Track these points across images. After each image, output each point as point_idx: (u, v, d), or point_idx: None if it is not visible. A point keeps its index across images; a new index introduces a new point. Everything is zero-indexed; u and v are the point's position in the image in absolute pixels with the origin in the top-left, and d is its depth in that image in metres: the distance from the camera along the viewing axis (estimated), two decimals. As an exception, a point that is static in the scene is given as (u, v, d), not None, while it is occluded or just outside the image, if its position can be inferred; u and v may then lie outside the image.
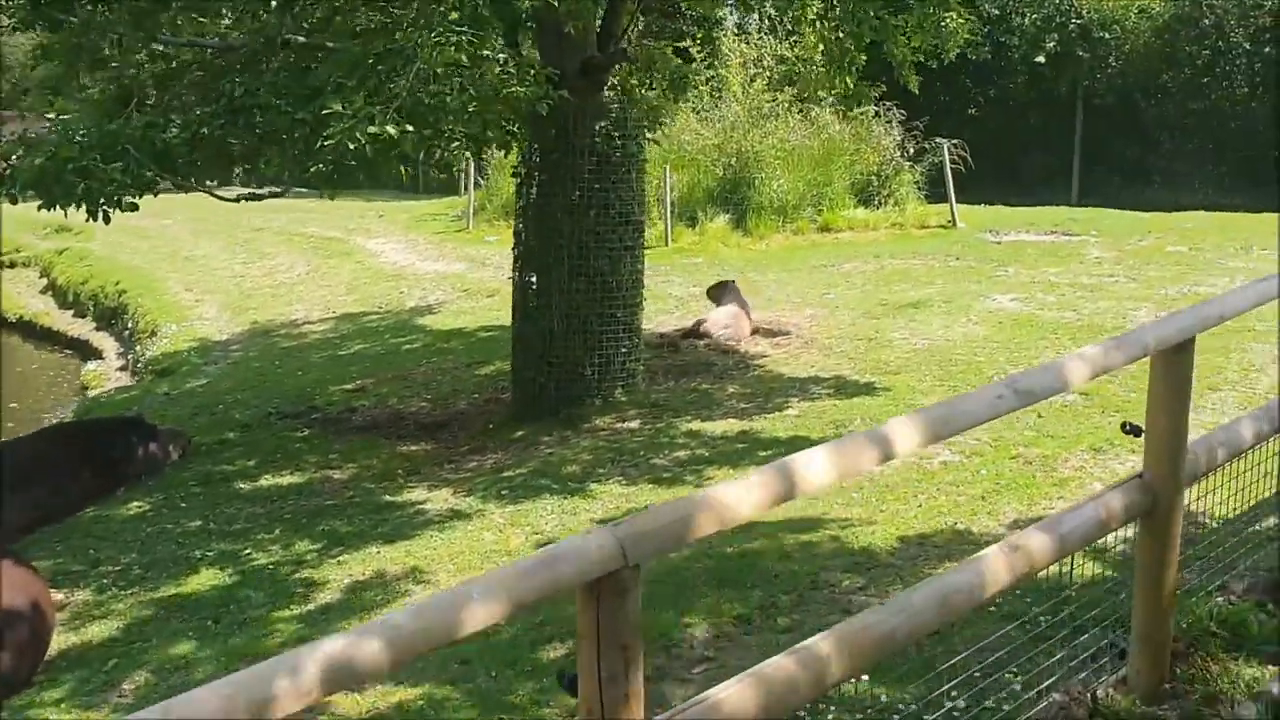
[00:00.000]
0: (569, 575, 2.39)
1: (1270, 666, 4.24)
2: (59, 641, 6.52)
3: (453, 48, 6.88)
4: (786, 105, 19.87)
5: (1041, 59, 23.59)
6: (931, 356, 10.72)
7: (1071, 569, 4.56)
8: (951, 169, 18.98)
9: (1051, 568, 4.24)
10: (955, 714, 4.49)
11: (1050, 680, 4.56)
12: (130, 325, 17.20)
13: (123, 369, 15.93)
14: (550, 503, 7.85)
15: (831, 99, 14.12)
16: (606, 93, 9.98)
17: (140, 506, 8.89)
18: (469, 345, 13.13)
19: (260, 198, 8.38)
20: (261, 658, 2.25)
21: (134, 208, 7.48)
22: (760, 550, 6.58)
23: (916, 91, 11.56)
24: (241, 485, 9.19)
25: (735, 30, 20.34)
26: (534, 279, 9.98)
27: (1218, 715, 4.02)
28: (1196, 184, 22.47)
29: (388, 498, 8.43)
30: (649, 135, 10.90)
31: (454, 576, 6.69)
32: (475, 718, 5.14)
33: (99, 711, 5.59)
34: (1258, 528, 5.60)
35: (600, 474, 8.43)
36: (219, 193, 8.46)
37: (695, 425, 9.42)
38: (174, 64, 8.74)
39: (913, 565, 6.16)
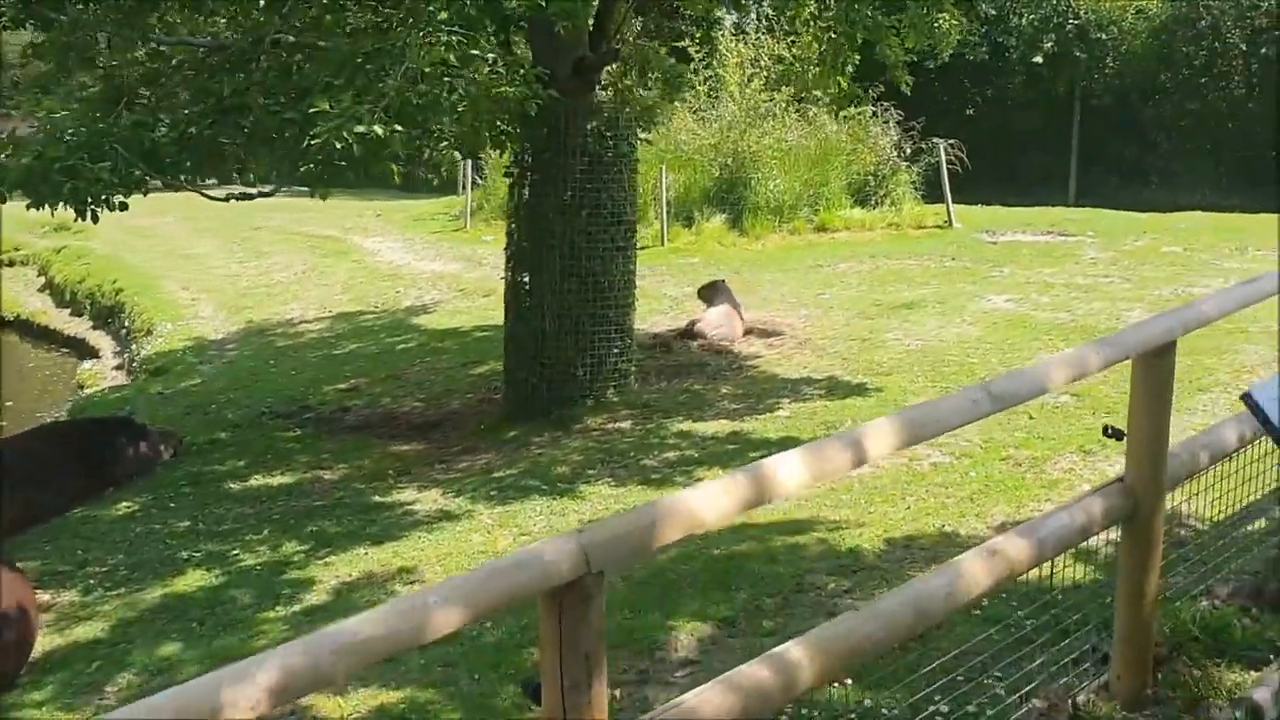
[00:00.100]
0: (530, 583, 2.37)
1: (1252, 672, 4.22)
2: (44, 643, 6.49)
3: (442, 47, 6.86)
4: (784, 105, 19.85)
5: (1039, 59, 23.61)
6: (924, 357, 10.70)
7: (1052, 572, 4.55)
8: (948, 169, 18.96)
9: (1037, 570, 4.24)
10: (938, 719, 4.47)
11: (1034, 684, 4.55)
12: (127, 324, 17.19)
13: (119, 368, 15.91)
14: (539, 504, 7.83)
15: (825, 98, 14.08)
16: (599, 93, 9.96)
17: (129, 507, 8.87)
18: (463, 345, 13.11)
19: (250, 197, 8.35)
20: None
21: (124, 207, 7.44)
22: (747, 552, 6.56)
23: (909, 92, 11.55)
24: (232, 485, 9.17)
25: (733, 30, 20.31)
26: (526, 279, 9.96)
27: (1198, 721, 4.00)
28: (1194, 184, 22.49)
29: (377, 498, 8.41)
30: (642, 135, 10.88)
31: (441, 578, 6.67)
32: (457, 721, 5.12)
33: (80, 714, 5.57)
34: (1245, 530, 5.58)
35: (590, 475, 8.42)
36: (209, 192, 8.42)
37: (686, 426, 9.41)
38: (165, 63, 8.71)
39: (898, 568, 6.14)
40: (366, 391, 11.59)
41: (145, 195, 7.74)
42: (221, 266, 19.80)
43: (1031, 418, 8.47)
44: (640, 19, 11.89)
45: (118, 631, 6.64)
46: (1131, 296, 12.73)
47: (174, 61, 8.83)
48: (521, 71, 7.72)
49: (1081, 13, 23.97)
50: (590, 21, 9.07)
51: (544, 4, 7.17)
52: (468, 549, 7.08)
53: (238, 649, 6.06)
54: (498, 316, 12.20)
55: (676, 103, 12.51)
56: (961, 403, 3.29)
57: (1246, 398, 2.39)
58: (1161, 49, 23.86)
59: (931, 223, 18.74)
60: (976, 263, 15.41)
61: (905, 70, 10.97)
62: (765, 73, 20.05)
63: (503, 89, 7.26)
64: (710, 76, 19.50)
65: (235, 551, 7.68)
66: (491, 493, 8.16)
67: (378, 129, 6.36)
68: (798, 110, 19.86)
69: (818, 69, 12.01)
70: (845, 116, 19.48)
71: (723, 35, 18.30)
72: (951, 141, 19.54)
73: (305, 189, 7.65)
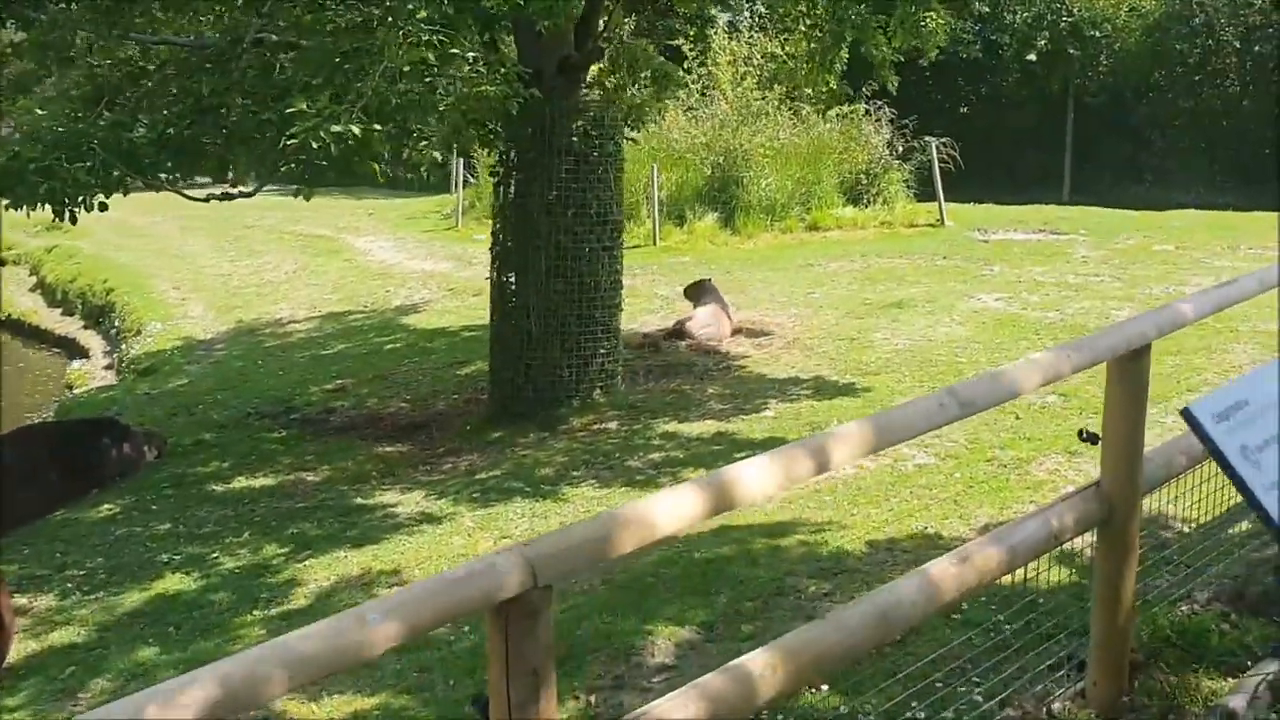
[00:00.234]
0: (474, 597, 2.32)
1: (1228, 679, 4.18)
2: (19, 649, 6.45)
3: (422, 46, 6.81)
4: (776, 104, 19.80)
5: (1033, 57, 23.55)
6: (913, 357, 10.66)
7: (1027, 575, 4.51)
8: (940, 167, 18.92)
9: (1021, 571, 4.19)
10: (914, 725, 4.43)
11: (1010, 690, 4.51)
12: (117, 324, 17.12)
13: (108, 368, 15.85)
14: (521, 506, 7.79)
15: (814, 96, 14.06)
16: (585, 91, 9.90)
17: (110, 509, 8.81)
18: (451, 345, 13.06)
19: (231, 197, 8.29)
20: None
21: (103, 207, 7.38)
22: (728, 555, 6.51)
23: (895, 91, 11.50)
24: (214, 487, 9.12)
25: (726, 28, 20.26)
26: (512, 279, 9.91)
27: (1173, 730, 3.96)
28: (1188, 182, 22.46)
29: (359, 500, 8.36)
30: (629, 134, 10.82)
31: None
32: (431, 728, 5.08)
33: (50, 721, 5.53)
34: (1227, 533, 5.54)
35: (574, 476, 8.37)
36: (189, 192, 8.37)
37: (672, 427, 9.36)
38: (148, 62, 8.66)
39: (879, 570, 6.09)
40: (353, 392, 11.53)
41: (125, 195, 7.67)
42: (213, 266, 19.73)
43: (1018, 418, 8.43)
44: (633, 17, 11.83)
45: (94, 636, 6.59)
46: (1122, 295, 12.70)
47: (157, 61, 8.79)
48: (503, 70, 7.66)
49: (1075, 10, 23.92)
50: (575, 20, 9.01)
51: (522, 3, 7.12)
52: (448, 552, 7.04)
53: (214, 653, 6.01)
54: (486, 316, 12.14)
55: (668, 101, 12.43)
56: (928, 407, 3.24)
57: (1186, 414, 2.33)
58: (1155, 46, 23.81)
59: (923, 221, 18.69)
60: (967, 261, 15.36)
61: (892, 69, 10.91)
62: (758, 71, 20.01)
63: (483, 88, 7.21)
64: (703, 75, 19.45)
65: (215, 554, 7.63)
66: (474, 495, 8.11)
67: (354, 129, 6.30)
68: (790, 109, 19.82)
69: (808, 67, 11.96)
70: (838, 115, 19.45)
71: (716, 33, 18.25)
72: (944, 140, 19.49)
73: (279, 188, 7.59)
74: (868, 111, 19.75)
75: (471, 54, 6.96)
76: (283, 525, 8.03)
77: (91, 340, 17.41)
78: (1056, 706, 4.18)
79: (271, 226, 22.25)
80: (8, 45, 8.85)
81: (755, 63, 20.15)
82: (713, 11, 13.09)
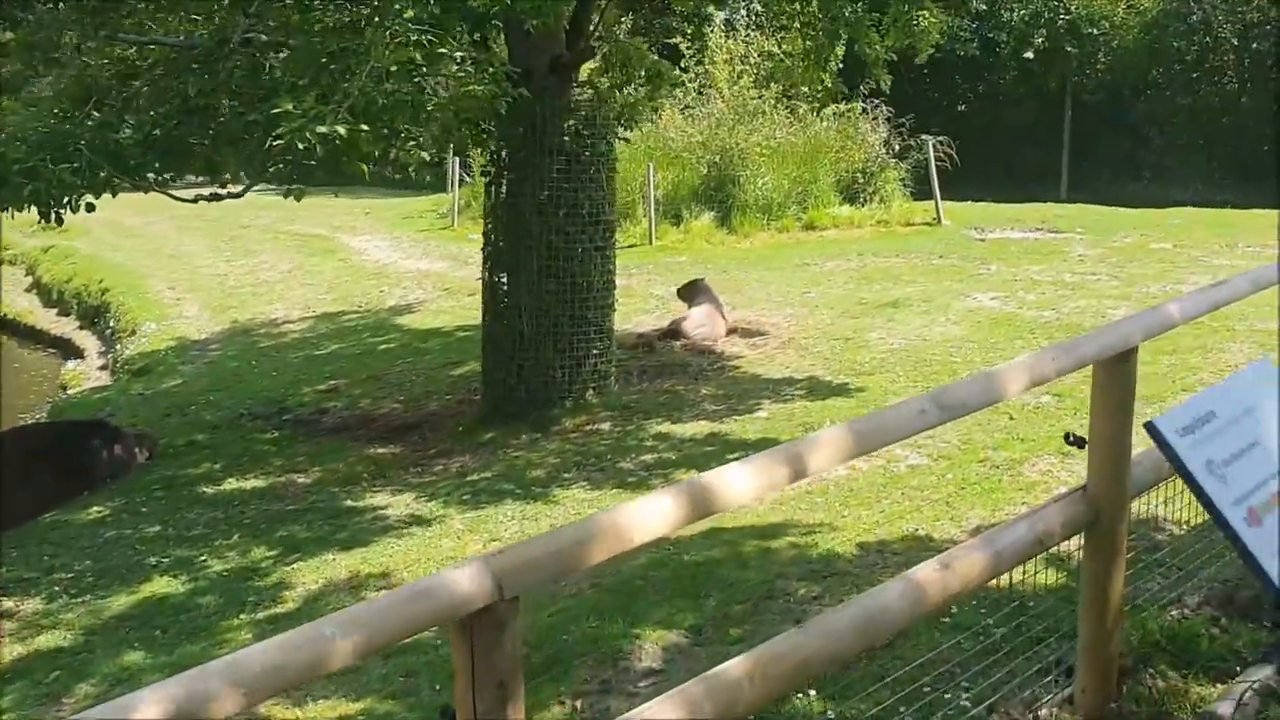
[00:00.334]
0: (437, 610, 2.27)
1: (1217, 685, 4.13)
2: (5, 653, 6.41)
3: (410, 46, 6.76)
4: (773, 102, 19.73)
5: (1030, 55, 23.49)
6: (907, 357, 10.61)
7: (1012, 579, 4.46)
8: (937, 166, 18.86)
9: (1008, 575, 4.14)
10: (902, 730, 4.39)
11: (999, 695, 4.47)
12: (112, 324, 17.09)
13: (103, 368, 15.80)
14: (512, 508, 7.75)
15: (810, 95, 14.00)
16: (577, 91, 9.85)
17: (100, 511, 8.77)
18: (445, 345, 13.01)
19: (220, 198, 8.25)
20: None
21: (91, 208, 7.35)
22: (718, 558, 6.47)
23: (888, 89, 11.46)
24: (205, 489, 9.08)
25: (723, 26, 20.20)
26: (504, 279, 9.86)
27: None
28: (1186, 179, 22.40)
29: (349, 502, 8.32)
30: (621, 134, 10.77)
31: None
32: (417, 732, 5.04)
33: (33, 727, 5.49)
34: (1218, 536, 5.49)
35: (566, 478, 8.33)
36: (179, 193, 8.32)
37: (665, 428, 9.32)
38: (135, 62, 8.61)
39: (869, 573, 6.05)
40: (346, 393, 11.49)
41: (114, 196, 7.64)
42: (208, 266, 19.69)
43: (1011, 418, 8.39)
44: (630, 16, 11.78)
45: (81, 640, 6.55)
46: (1118, 294, 12.65)
47: (146, 62, 8.73)
48: (491, 70, 7.61)
49: (1073, 8, 23.86)
50: (565, 20, 8.97)
51: (510, 2, 7.07)
52: (436, 555, 7.00)
53: (200, 658, 5.96)
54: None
55: (662, 101, 12.38)
56: (908, 414, 3.19)
57: (1149, 427, 2.28)
58: (1153, 44, 23.74)
59: (920, 220, 18.64)
60: (964, 260, 15.32)
61: (885, 68, 10.87)
62: (754, 69, 19.95)
63: (471, 88, 7.16)
64: (700, 73, 19.39)
65: (203, 557, 7.58)
66: (465, 497, 8.07)
67: (340, 129, 6.26)
68: (787, 107, 19.75)
69: (804, 65, 11.92)
70: (835, 113, 19.39)
71: (713, 31, 18.19)
72: (941, 138, 19.43)
73: (266, 189, 7.52)
74: (865, 110, 19.69)
75: (459, 54, 6.90)
76: (272, 528, 7.99)
77: (87, 340, 17.37)
78: (1044, 713, 4.14)
79: (267, 226, 22.21)
80: (-7, 46, 8.79)
81: (752, 61, 20.09)
82: (709, 10, 13.03)
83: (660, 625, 5.66)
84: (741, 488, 2.86)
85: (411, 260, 18.66)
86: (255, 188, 8.40)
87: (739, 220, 18.60)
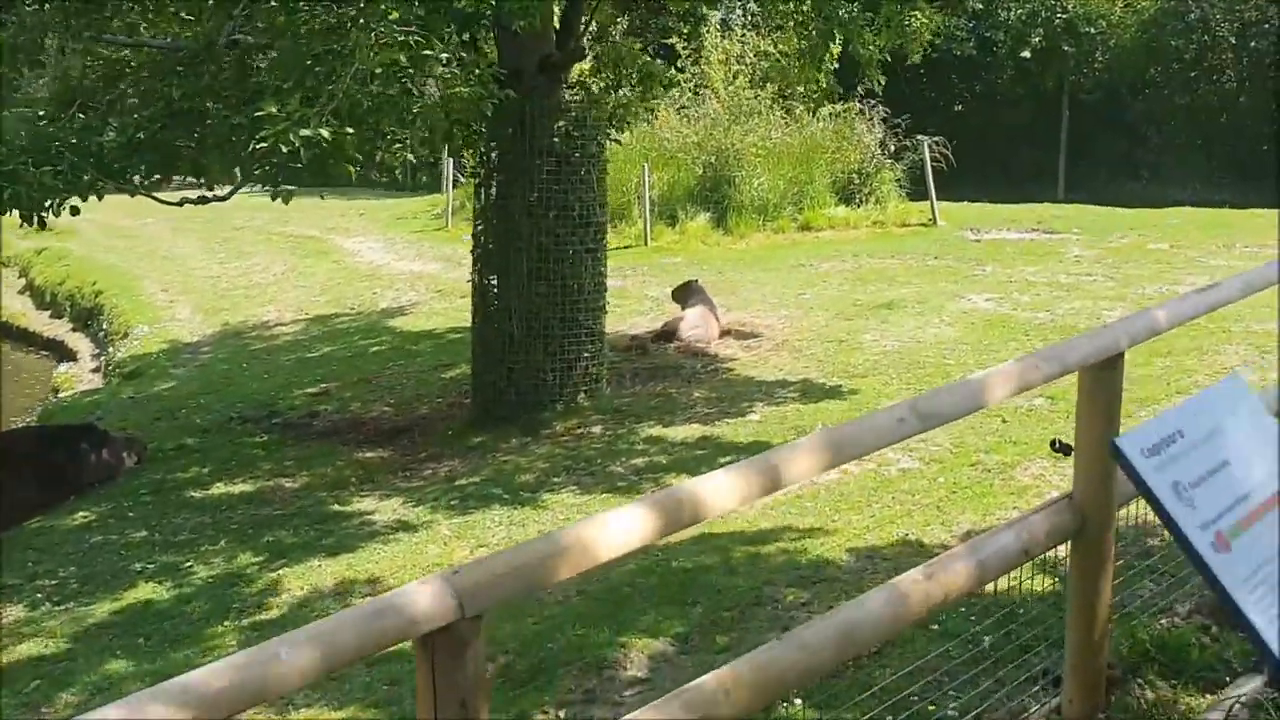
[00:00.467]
0: (395, 629, 2.21)
1: (1207, 695, 4.07)
2: (-15, 661, 6.35)
3: (395, 48, 6.70)
4: (768, 102, 19.66)
5: (1027, 54, 23.43)
6: (901, 359, 10.55)
7: (1007, 584, 4.41)
8: (933, 166, 18.80)
9: (998, 582, 4.08)
10: (888, 741, 4.34)
11: (986, 704, 4.41)
12: (105, 326, 17.02)
13: (96, 370, 15.74)
14: (500, 514, 7.69)
15: (805, 94, 13.94)
16: (567, 92, 9.79)
17: (86, 516, 8.70)
18: (437, 347, 12.95)
19: (206, 200, 8.18)
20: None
21: (75, 211, 7.29)
22: (707, 564, 6.42)
23: (881, 90, 11.41)
24: (193, 494, 9.02)
25: (719, 26, 20.13)
26: (494, 281, 9.80)
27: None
28: (1184, 179, 22.34)
29: (336, 507, 8.25)
30: (613, 135, 10.71)
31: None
32: (399, 742, 4.98)
33: (10, 738, 5.43)
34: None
35: (555, 483, 8.27)
36: (166, 196, 8.26)
37: (656, 431, 9.26)
38: (120, 65, 8.55)
39: (858, 579, 5.99)
40: (337, 396, 11.42)
41: (100, 199, 7.57)
42: (202, 268, 19.63)
43: (1004, 421, 8.33)
44: (626, 16, 11.71)
45: (63, 648, 6.48)
46: (1114, 295, 12.58)
47: (132, 64, 8.68)
48: (477, 71, 7.55)
49: (1070, 7, 23.80)
50: (552, 20, 8.90)
51: (495, 2, 7.01)
52: (422, 561, 6.93)
53: (183, 666, 5.91)
54: (471, 319, 12.04)
55: (655, 101, 12.32)
56: (886, 422, 3.13)
57: (1114, 448, 2.20)
58: (1150, 43, 23.68)
59: (916, 220, 18.58)
60: (959, 261, 15.26)
61: (879, 69, 10.81)
62: (750, 69, 19.88)
63: (457, 89, 7.10)
64: (696, 74, 19.33)
65: (189, 563, 7.52)
66: (453, 502, 8.01)
67: (324, 132, 6.19)
68: (783, 108, 19.68)
69: (799, 65, 11.87)
70: (831, 114, 19.32)
71: (709, 31, 18.12)
72: (936, 139, 19.37)
73: (291, 190, 7.41)
74: (861, 110, 19.62)
75: (444, 55, 6.83)
76: (259, 533, 7.93)
77: (80, 343, 17.30)
78: (1030, 724, 4.08)
79: (261, 227, 22.15)
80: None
81: (747, 61, 20.02)
82: (704, 10, 12.97)
83: (647, 633, 5.60)
84: (715, 500, 2.79)
85: (405, 262, 18.60)
86: (246, 189, 8.35)
87: (735, 221, 18.53)
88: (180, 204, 7.84)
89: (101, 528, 8.44)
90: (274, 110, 6.42)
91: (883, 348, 11.05)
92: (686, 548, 6.60)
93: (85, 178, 7.08)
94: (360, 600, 6.57)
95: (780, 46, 12.94)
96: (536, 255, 9.57)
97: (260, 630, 6.39)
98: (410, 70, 6.81)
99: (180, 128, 7.38)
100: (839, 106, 18.86)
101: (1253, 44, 22.80)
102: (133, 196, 8.06)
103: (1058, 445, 3.95)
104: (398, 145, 7.23)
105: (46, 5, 8.02)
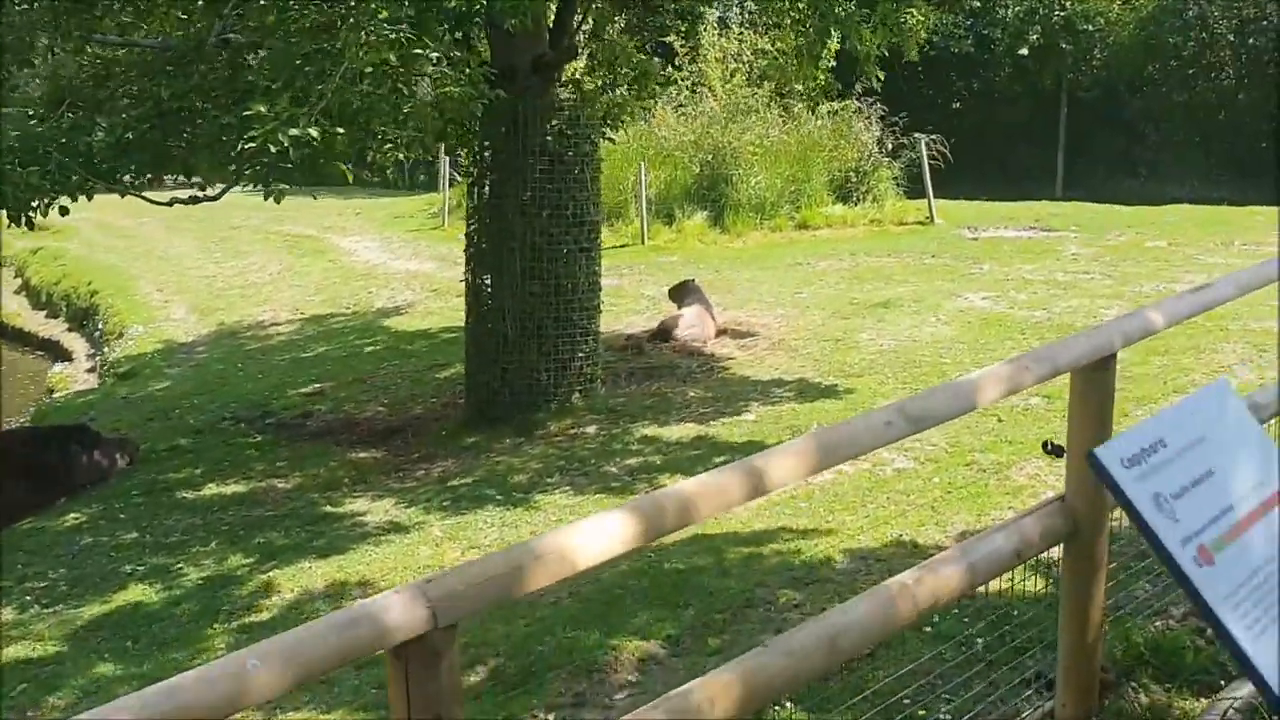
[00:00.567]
0: (366, 641, 2.16)
1: (1201, 699, 4.03)
2: (-28, 665, 6.30)
3: (385, 46, 6.65)
4: (766, 101, 19.61)
5: (1025, 52, 23.37)
6: (897, 358, 10.51)
7: (1000, 585, 4.36)
8: (930, 164, 18.75)
9: (991, 584, 4.04)
10: (881, 744, 4.30)
11: (980, 708, 4.38)
12: (100, 326, 16.98)
13: (91, 371, 15.70)
14: (492, 515, 7.64)
15: (802, 91, 13.90)
16: (560, 90, 9.73)
17: (77, 518, 8.66)
18: (432, 347, 12.91)
19: (197, 200, 8.14)
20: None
21: (64, 211, 7.26)
22: (700, 565, 6.38)
23: (879, 86, 11.36)
24: (185, 495, 8.97)
25: (716, 24, 20.07)
26: (487, 281, 9.75)
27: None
28: (1182, 176, 22.30)
29: (328, 509, 8.21)
30: (607, 134, 10.66)
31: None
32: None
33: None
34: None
35: (548, 483, 8.22)
36: (157, 195, 8.21)
37: (651, 431, 9.21)
38: (109, 64, 8.50)
39: (852, 580, 5.95)
40: (331, 396, 11.37)
41: (90, 199, 7.52)
42: (197, 267, 19.58)
43: (1000, 420, 8.29)
44: (623, 15, 11.66)
45: (51, 651, 6.44)
46: (1111, 293, 12.54)
47: (121, 63, 8.63)
48: (468, 71, 7.49)
49: (1067, 4, 23.75)
50: (544, 19, 8.85)
51: (486, 1, 6.95)
52: (414, 563, 6.89)
53: (172, 669, 5.86)
54: (465, 319, 11.98)
55: (650, 100, 12.27)
56: (874, 425, 3.08)
57: (1091, 458, 2.14)
58: (1149, 40, 23.62)
59: (913, 219, 18.53)
60: (956, 259, 15.21)
61: (877, 64, 10.76)
62: (747, 67, 19.83)
63: (448, 89, 7.04)
64: (694, 72, 19.27)
65: (180, 565, 7.48)
66: (445, 503, 7.96)
67: (312, 132, 6.14)
68: (780, 105, 19.63)
69: (797, 63, 11.82)
70: (829, 112, 19.27)
71: (706, 29, 18.06)
72: (934, 137, 19.31)
73: (283, 189, 7.35)
74: (859, 109, 19.57)
75: (435, 54, 6.78)
76: (250, 534, 7.88)
77: (75, 343, 17.27)
78: (1022, 728, 4.04)
79: (257, 227, 22.11)
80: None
81: (745, 59, 19.96)
82: (702, 8, 12.92)
83: (638, 635, 5.56)
84: (698, 505, 2.74)
85: (401, 261, 18.55)
86: (241, 188, 8.31)
87: (732, 220, 18.48)
88: (170, 204, 7.80)
89: (92, 529, 8.39)
90: (263, 110, 6.37)
91: (879, 347, 11.01)
92: (680, 548, 6.56)
93: (73, 178, 7.03)
94: (351, 602, 6.53)
95: (778, 44, 12.89)
96: (530, 254, 9.52)
97: (250, 633, 6.34)
98: (400, 70, 6.76)
99: (170, 128, 7.33)
100: (836, 105, 18.83)
101: (1251, 41, 22.74)
102: (123, 197, 8.00)
103: (1050, 447, 3.90)
104: (388, 145, 7.18)
105: (36, 4, 7.99)
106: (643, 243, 17.85)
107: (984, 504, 6.84)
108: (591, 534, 2.54)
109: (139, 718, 1.93)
